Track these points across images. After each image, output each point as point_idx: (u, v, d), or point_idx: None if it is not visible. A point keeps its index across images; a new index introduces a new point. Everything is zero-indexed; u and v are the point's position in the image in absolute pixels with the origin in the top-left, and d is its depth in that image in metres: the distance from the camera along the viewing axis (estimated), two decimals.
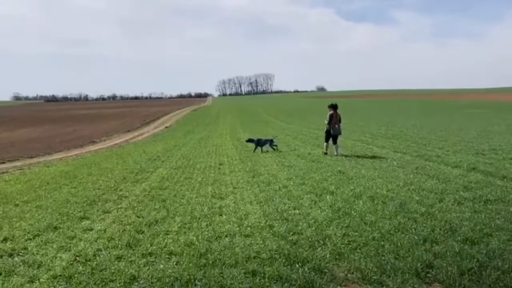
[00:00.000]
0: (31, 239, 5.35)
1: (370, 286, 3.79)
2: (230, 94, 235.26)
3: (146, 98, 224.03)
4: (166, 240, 5.07)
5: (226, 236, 5.21)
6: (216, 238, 5.14)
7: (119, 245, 4.96)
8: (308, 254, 4.45)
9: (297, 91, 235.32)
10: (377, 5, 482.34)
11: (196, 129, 33.36)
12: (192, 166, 11.76)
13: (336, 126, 13.15)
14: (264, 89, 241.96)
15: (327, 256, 4.43)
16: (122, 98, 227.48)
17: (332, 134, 13.14)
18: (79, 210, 6.85)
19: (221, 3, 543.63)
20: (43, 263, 4.46)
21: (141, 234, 5.41)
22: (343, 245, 4.73)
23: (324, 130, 13.60)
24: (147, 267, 4.27)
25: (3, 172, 13.87)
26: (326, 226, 5.46)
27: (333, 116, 13.19)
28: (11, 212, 6.97)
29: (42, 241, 5.24)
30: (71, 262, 4.44)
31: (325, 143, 13.41)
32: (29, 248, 4.97)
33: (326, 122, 13.43)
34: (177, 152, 15.76)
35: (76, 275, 4.09)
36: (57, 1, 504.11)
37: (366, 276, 3.92)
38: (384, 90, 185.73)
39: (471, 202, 6.52)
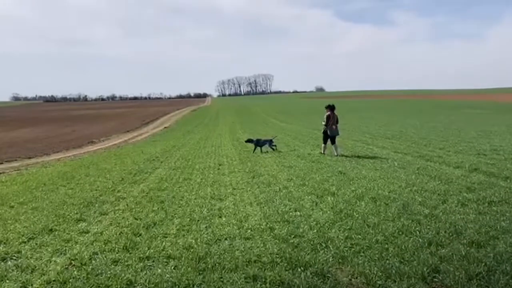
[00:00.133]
0: (25, 242, 5.20)
1: None
2: (229, 95, 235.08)
3: (145, 98, 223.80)
4: (164, 243, 4.94)
5: (225, 239, 5.08)
6: (216, 241, 5.01)
7: (116, 249, 4.82)
8: (311, 258, 4.32)
9: (296, 92, 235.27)
10: (375, 6, 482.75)
11: (196, 129, 33.24)
12: (191, 166, 11.63)
13: (333, 127, 13.09)
14: (263, 89, 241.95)
15: (330, 260, 4.30)
16: (121, 98, 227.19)
17: (329, 135, 13.07)
18: (75, 212, 6.71)
19: (220, 4, 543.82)
20: (37, 268, 4.32)
21: (138, 236, 5.28)
22: (346, 248, 4.60)
23: (321, 131, 13.50)
24: (144, 272, 4.13)
25: (0, 173, 13.72)
26: (328, 229, 5.33)
27: (330, 117, 13.12)
28: (6, 214, 6.82)
29: (36, 244, 5.10)
30: (66, 267, 4.30)
31: (323, 144, 13.33)
32: (23, 252, 4.82)
33: (323, 123, 13.34)
34: (176, 153, 15.63)
35: (70, 280, 3.96)
36: (56, 1, 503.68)
37: (371, 281, 3.80)
38: (383, 91, 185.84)
39: (475, 203, 6.41)
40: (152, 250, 4.71)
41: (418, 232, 5.05)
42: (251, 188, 8.25)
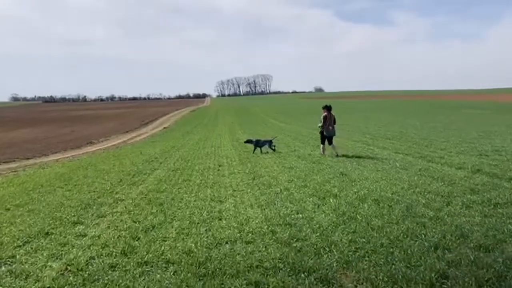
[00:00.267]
0: (20, 246, 5.07)
1: None
2: (229, 95, 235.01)
3: (145, 98, 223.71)
4: (163, 247, 4.81)
5: (226, 242, 4.95)
6: (216, 245, 4.88)
7: (114, 253, 4.69)
8: (314, 263, 4.19)
9: (295, 92, 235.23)
10: (375, 6, 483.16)
11: (195, 129, 33.09)
12: (191, 167, 11.49)
13: (330, 127, 13.02)
14: (263, 89, 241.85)
15: (334, 264, 4.17)
16: (120, 98, 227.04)
17: (326, 136, 13.00)
18: (72, 214, 6.58)
19: (219, 4, 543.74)
20: (32, 273, 4.19)
21: (137, 240, 5.14)
22: (350, 253, 4.47)
23: (319, 132, 13.41)
24: (143, 278, 4.00)
25: None
26: (331, 232, 5.20)
27: (327, 117, 13.04)
28: (1, 217, 6.69)
29: (32, 248, 4.97)
30: (62, 272, 4.17)
31: (321, 145, 13.24)
32: (17, 257, 4.69)
33: (319, 125, 13.30)
34: (175, 153, 15.49)
35: (66, 287, 3.83)
36: (55, 1, 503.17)
37: (377, 287, 3.67)
38: (382, 91, 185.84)
39: (479, 205, 6.29)
40: (151, 255, 4.58)
41: (423, 236, 4.93)
42: (252, 189, 8.12)
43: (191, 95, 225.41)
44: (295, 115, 47.74)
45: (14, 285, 3.93)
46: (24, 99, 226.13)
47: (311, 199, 7.07)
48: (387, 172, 9.57)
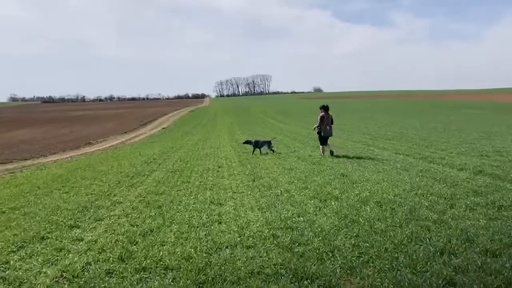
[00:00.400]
0: (14, 251, 4.94)
1: None
2: (228, 95, 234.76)
3: (143, 99, 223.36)
4: (161, 253, 4.68)
5: (226, 247, 4.83)
6: (216, 249, 4.75)
7: (111, 258, 4.56)
8: (317, 269, 4.07)
9: (294, 92, 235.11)
10: (374, 6, 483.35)
11: (194, 130, 32.94)
12: (190, 169, 11.36)
13: (328, 127, 12.99)
14: (262, 90, 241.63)
15: (338, 271, 4.06)
16: (119, 99, 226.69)
17: (323, 136, 12.96)
18: (69, 217, 6.44)
19: (219, 5, 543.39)
20: (25, 280, 4.06)
21: (134, 245, 5.01)
22: (354, 258, 4.36)
23: (316, 132, 13.34)
24: (141, 285, 3.88)
25: None
26: (334, 236, 5.08)
27: (324, 117, 13.00)
28: None
29: (26, 253, 4.84)
30: (57, 279, 4.04)
31: (321, 146, 13.16)
32: (11, 262, 4.56)
33: (314, 126, 13.28)
34: (174, 154, 15.35)
35: None
36: (54, 2, 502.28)
37: None
38: (381, 91, 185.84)
39: (484, 208, 6.18)
40: (148, 261, 4.45)
41: (428, 240, 4.82)
42: (252, 191, 8.00)
43: (190, 95, 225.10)
44: (294, 115, 47.62)
45: None
46: (23, 99, 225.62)
47: (312, 201, 6.96)
48: (388, 173, 9.46)
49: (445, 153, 12.62)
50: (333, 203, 6.73)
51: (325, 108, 13.13)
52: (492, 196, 6.85)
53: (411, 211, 6.09)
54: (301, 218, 5.91)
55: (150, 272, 4.19)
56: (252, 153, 13.94)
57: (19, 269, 4.38)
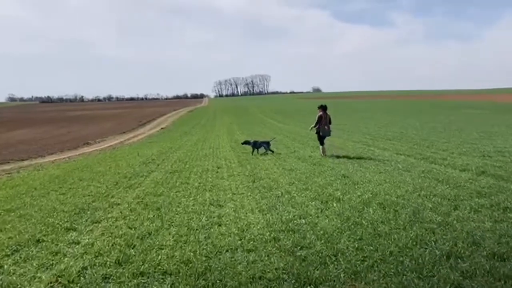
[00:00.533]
0: (9, 255, 4.80)
1: None
2: (226, 95, 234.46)
3: (142, 99, 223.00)
4: (160, 257, 4.54)
5: (226, 251, 4.69)
6: (216, 253, 4.62)
7: (108, 262, 4.43)
8: (320, 273, 3.95)
9: (293, 92, 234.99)
10: (373, 7, 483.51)
11: (193, 130, 32.79)
12: (189, 169, 11.22)
13: (326, 127, 12.94)
14: (260, 90, 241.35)
15: (342, 275, 3.93)
16: (117, 99, 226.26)
17: (321, 136, 12.93)
18: (66, 220, 6.30)
19: (218, 5, 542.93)
20: (19, 286, 3.92)
21: (132, 248, 4.88)
22: (358, 262, 4.23)
23: (315, 132, 13.27)
24: None
25: None
26: (337, 239, 4.96)
27: (322, 117, 12.94)
28: None
29: (21, 257, 4.70)
30: (51, 284, 3.91)
31: (320, 146, 13.08)
32: (5, 267, 4.42)
33: (311, 126, 13.25)
34: (173, 155, 15.21)
35: None
36: (53, 2, 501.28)
37: None
38: (380, 91, 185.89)
39: (489, 210, 6.07)
40: (147, 265, 4.32)
41: (433, 243, 4.70)
42: (252, 193, 7.87)
43: (189, 95, 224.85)
44: (294, 115, 47.50)
45: None
46: (21, 99, 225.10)
47: (313, 203, 6.83)
48: (390, 174, 9.35)
49: (447, 154, 12.51)
50: (335, 204, 6.61)
51: (323, 108, 13.09)
52: (497, 198, 6.74)
53: (414, 213, 5.98)
54: (303, 220, 5.78)
55: (148, 277, 4.06)
56: (252, 154, 13.82)
57: (13, 274, 4.24)
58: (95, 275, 4.12)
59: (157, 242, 5.07)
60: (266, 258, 4.42)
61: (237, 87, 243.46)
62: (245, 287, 3.74)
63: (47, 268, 4.38)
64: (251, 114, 56.94)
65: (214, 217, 6.18)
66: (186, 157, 14.17)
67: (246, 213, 6.36)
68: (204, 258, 4.46)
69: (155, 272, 4.16)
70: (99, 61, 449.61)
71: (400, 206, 6.36)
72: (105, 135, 33.12)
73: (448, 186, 7.83)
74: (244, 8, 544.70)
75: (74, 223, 6.12)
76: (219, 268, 4.17)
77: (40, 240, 5.32)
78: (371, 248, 4.60)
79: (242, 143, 14.98)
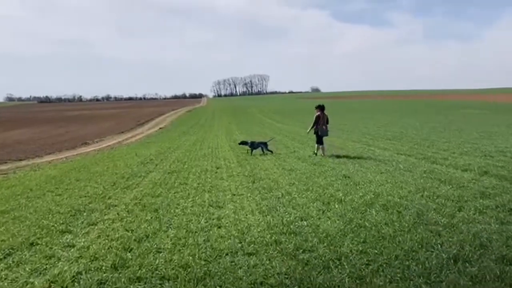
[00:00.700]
0: (1, 259, 4.62)
1: None
2: (225, 95, 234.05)
3: (141, 99, 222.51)
4: (157, 261, 4.39)
5: (226, 254, 4.54)
6: (216, 257, 4.46)
7: (103, 267, 4.27)
8: (324, 279, 3.80)
9: (292, 92, 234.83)
10: (372, 7, 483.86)
11: (191, 130, 32.63)
12: (187, 170, 11.07)
13: (324, 127, 12.95)
14: (259, 90, 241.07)
15: (346, 280, 3.79)
16: (116, 99, 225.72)
17: (320, 135, 12.91)
18: (61, 222, 6.14)
19: (216, 4, 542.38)
20: None
21: (129, 252, 4.71)
22: (363, 266, 4.09)
23: (313, 132, 13.19)
24: None
25: None
26: (340, 242, 4.81)
27: (320, 117, 12.93)
28: None
29: (14, 261, 4.53)
30: None
31: (320, 146, 13.01)
32: None
33: (309, 129, 13.23)
34: (171, 155, 15.05)
35: None
36: (52, 2, 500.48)
37: None
38: (379, 91, 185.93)
39: (494, 211, 5.94)
40: (144, 269, 4.16)
41: (440, 246, 4.56)
42: (252, 194, 7.72)
43: (187, 95, 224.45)
44: (293, 115, 47.37)
45: None
46: (19, 99, 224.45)
47: (314, 204, 6.69)
48: (391, 174, 9.22)
49: (448, 153, 12.40)
50: (336, 206, 6.47)
51: (321, 108, 13.15)
52: (501, 198, 6.62)
53: (418, 214, 5.85)
54: (305, 222, 5.64)
55: (146, 282, 3.90)
56: (251, 154, 13.68)
57: (5, 279, 4.08)
58: (90, 280, 3.96)
59: (155, 245, 4.91)
60: (268, 262, 4.27)
61: (235, 87, 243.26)
62: None
63: (40, 273, 4.22)
64: (249, 114, 56.80)
65: (213, 219, 6.03)
66: (185, 157, 14.01)
67: (246, 215, 6.21)
68: (203, 262, 4.31)
69: (152, 277, 4.00)
70: (98, 60, 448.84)
71: (404, 208, 6.23)
72: (103, 135, 32.93)
73: (451, 186, 7.70)
74: (243, 8, 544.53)
75: (69, 225, 5.95)
76: (218, 273, 4.02)
77: (34, 243, 5.16)
78: (376, 251, 4.46)
79: (240, 144, 14.80)
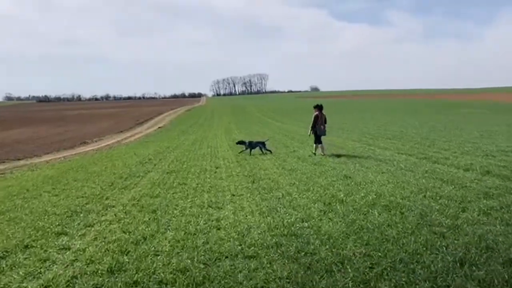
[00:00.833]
0: None
1: None
2: (224, 94, 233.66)
3: (140, 98, 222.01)
4: (155, 264, 4.26)
5: (226, 257, 4.41)
6: (215, 260, 4.34)
7: (99, 271, 4.15)
8: (327, 283, 3.69)
9: (291, 91, 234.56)
10: (371, 6, 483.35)
11: (190, 129, 32.51)
12: (186, 170, 10.94)
13: (322, 127, 12.95)
14: (258, 89, 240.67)
15: (350, 285, 3.67)
16: (115, 98, 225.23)
17: (318, 135, 12.91)
18: (57, 223, 6.01)
19: (215, 4, 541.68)
20: None
21: (126, 255, 4.59)
22: (367, 270, 3.97)
23: (312, 133, 13.15)
24: None
25: None
26: (342, 244, 4.69)
27: (318, 116, 12.92)
28: None
29: (7, 265, 4.41)
30: None
31: (319, 145, 12.97)
32: None
33: (309, 132, 13.16)
34: (170, 154, 14.92)
35: None
36: (51, 1, 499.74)
37: None
38: (378, 90, 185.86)
39: (498, 212, 5.83)
40: (141, 274, 4.03)
41: (445, 248, 4.44)
42: (252, 194, 7.60)
43: (187, 94, 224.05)
44: (292, 114, 47.28)
45: None
46: (18, 98, 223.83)
47: (316, 205, 6.57)
48: (392, 174, 9.10)
49: (449, 153, 12.29)
50: (338, 206, 6.35)
51: (319, 108, 13.15)
52: (505, 199, 6.50)
53: (422, 215, 5.73)
54: (306, 224, 5.51)
55: (143, 287, 3.78)
56: (250, 154, 13.56)
57: None
58: (85, 285, 3.84)
59: (153, 248, 4.79)
60: (268, 265, 4.14)
61: (234, 86, 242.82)
62: None
63: (34, 277, 4.09)
64: (249, 113, 56.70)
65: (212, 220, 5.91)
66: (184, 157, 13.89)
67: (246, 216, 6.09)
68: (202, 266, 4.19)
69: (149, 281, 3.88)
70: (97, 60, 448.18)
71: (406, 208, 6.11)
72: (102, 134, 32.83)
73: (453, 186, 7.58)
74: (242, 7, 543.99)
75: (65, 227, 5.82)
76: (218, 277, 3.90)
77: (29, 246, 5.03)
78: (379, 254, 4.34)
79: (237, 143, 14.67)
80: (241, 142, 14.42)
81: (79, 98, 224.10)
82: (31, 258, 4.61)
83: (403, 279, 3.73)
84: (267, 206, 6.58)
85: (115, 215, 6.45)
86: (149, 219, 6.10)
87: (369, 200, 6.69)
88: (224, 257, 4.42)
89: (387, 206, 6.25)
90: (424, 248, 4.47)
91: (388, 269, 3.97)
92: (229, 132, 26.26)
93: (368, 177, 8.82)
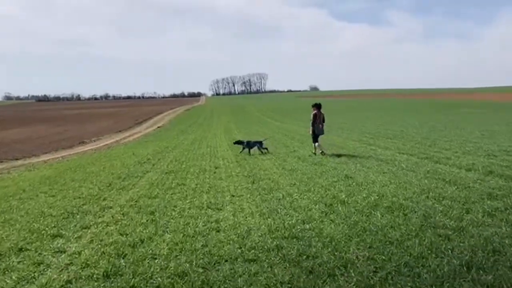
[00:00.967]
0: None
1: None
2: (224, 94, 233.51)
3: (139, 97, 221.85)
4: (152, 268, 4.13)
5: (225, 261, 4.29)
6: (214, 264, 4.21)
7: (95, 275, 4.02)
8: None
9: (291, 91, 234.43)
10: (370, 6, 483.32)
11: (190, 129, 32.37)
12: (185, 170, 10.81)
13: (320, 126, 12.92)
14: (258, 88, 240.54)
15: None
16: (114, 97, 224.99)
17: (315, 133, 12.89)
18: (53, 225, 5.88)
19: (215, 4, 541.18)
20: None
21: (122, 258, 4.46)
22: (370, 274, 3.84)
23: (311, 132, 13.10)
24: None
25: None
26: (345, 247, 4.57)
27: (316, 115, 12.89)
28: None
29: (0, 269, 4.28)
30: None
31: (317, 144, 12.93)
32: None
33: (310, 132, 13.12)
34: (169, 154, 14.79)
35: None
36: (50, 1, 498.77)
37: None
38: (378, 90, 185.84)
39: (503, 213, 5.70)
40: (137, 278, 3.90)
41: (450, 251, 4.32)
42: (251, 195, 7.47)
43: (186, 94, 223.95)
44: (291, 113, 47.15)
45: None
46: (17, 98, 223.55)
47: (317, 206, 6.44)
48: (394, 174, 8.98)
49: (450, 153, 12.17)
50: (340, 208, 6.23)
51: (317, 106, 13.09)
52: (509, 200, 6.38)
53: (425, 217, 5.61)
54: (307, 226, 5.39)
55: None
56: (249, 153, 13.44)
57: None
58: None
59: (150, 251, 4.66)
60: (269, 269, 4.02)
61: (234, 86, 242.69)
62: None
63: (27, 282, 3.96)
64: (248, 112, 56.57)
65: (211, 222, 5.78)
66: (183, 157, 13.76)
67: (246, 217, 5.96)
68: (201, 270, 4.06)
69: (146, 286, 3.75)
70: (96, 59, 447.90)
71: (409, 210, 5.99)
72: (101, 134, 32.71)
73: (456, 187, 7.46)
74: (242, 7, 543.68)
75: (61, 229, 5.69)
76: (217, 282, 3.77)
77: (23, 249, 4.90)
78: (383, 257, 4.22)
79: (235, 143, 14.53)
80: (238, 142, 14.28)
81: (78, 98, 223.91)
82: (25, 262, 4.48)
83: (409, 284, 3.61)
84: (267, 207, 6.46)
85: (112, 216, 6.32)
86: (147, 220, 5.97)
87: (371, 201, 6.57)
88: (223, 261, 4.30)
89: (390, 207, 6.13)
90: (429, 251, 4.34)
91: (393, 273, 3.85)
92: (229, 132, 26.13)
93: (370, 177, 8.70)
